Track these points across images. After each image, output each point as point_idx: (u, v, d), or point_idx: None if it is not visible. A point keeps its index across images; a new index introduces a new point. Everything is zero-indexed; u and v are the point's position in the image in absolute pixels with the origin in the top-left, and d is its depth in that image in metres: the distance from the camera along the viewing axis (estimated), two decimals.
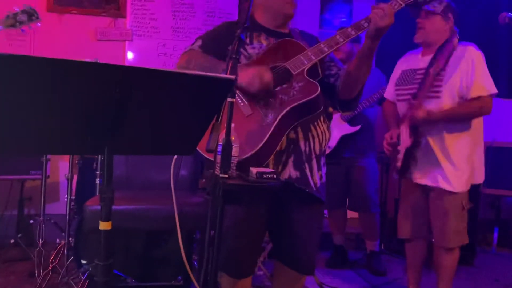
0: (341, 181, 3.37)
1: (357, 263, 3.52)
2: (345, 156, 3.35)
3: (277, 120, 1.59)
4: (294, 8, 1.78)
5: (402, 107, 2.53)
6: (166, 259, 2.51)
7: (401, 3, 1.65)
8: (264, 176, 1.44)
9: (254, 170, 1.48)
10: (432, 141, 2.41)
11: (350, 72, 1.71)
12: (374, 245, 3.42)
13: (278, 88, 1.65)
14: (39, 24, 2.62)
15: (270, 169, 1.54)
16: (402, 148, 2.45)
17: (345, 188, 3.39)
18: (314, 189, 1.72)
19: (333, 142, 3.33)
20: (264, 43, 1.76)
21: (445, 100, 2.37)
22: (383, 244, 3.73)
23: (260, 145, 1.56)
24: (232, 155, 1.41)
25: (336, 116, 3.35)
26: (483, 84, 2.35)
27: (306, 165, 1.71)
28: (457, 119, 2.39)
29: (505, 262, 3.77)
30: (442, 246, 2.46)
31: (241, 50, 1.73)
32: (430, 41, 2.47)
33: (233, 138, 1.42)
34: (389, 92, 2.72)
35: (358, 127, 3.32)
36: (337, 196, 3.39)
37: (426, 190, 2.50)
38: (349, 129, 3.33)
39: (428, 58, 2.45)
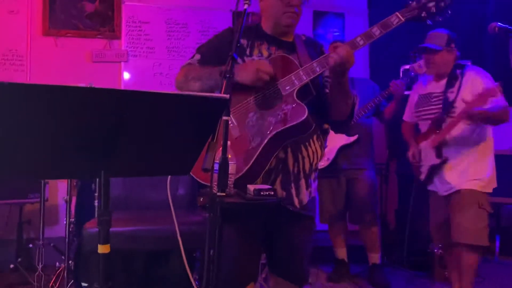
0: (340, 195, 3.37)
1: (359, 276, 3.49)
2: (343, 168, 3.35)
3: (263, 144, 1.60)
4: (294, 18, 1.74)
5: (424, 125, 2.82)
6: (166, 279, 2.49)
7: (402, 18, 1.60)
8: (262, 193, 1.45)
9: (251, 187, 1.48)
10: (453, 160, 2.66)
11: (328, 99, 1.72)
12: (376, 258, 3.39)
13: (267, 110, 1.65)
14: None
15: (267, 186, 1.54)
16: (426, 164, 2.75)
17: (345, 201, 3.38)
18: (298, 207, 1.73)
19: (331, 154, 3.33)
20: (265, 53, 1.75)
21: (462, 124, 2.59)
22: (385, 257, 3.70)
23: (246, 169, 1.57)
24: (229, 172, 1.42)
25: None
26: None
27: (293, 185, 1.71)
28: (488, 121, 2.59)
29: (509, 271, 3.74)
30: (459, 242, 2.59)
31: (241, 62, 1.72)
32: (442, 73, 2.75)
33: (229, 156, 1.42)
34: (408, 115, 3.01)
35: (355, 137, 3.32)
36: (337, 210, 3.38)
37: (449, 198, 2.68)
38: (346, 140, 3.33)
39: (442, 83, 2.75)
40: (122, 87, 4.03)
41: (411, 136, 2.94)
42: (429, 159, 2.73)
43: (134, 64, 4.06)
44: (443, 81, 2.75)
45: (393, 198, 4.03)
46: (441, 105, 2.70)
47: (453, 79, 2.69)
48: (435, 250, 3.31)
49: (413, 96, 2.96)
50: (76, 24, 3.95)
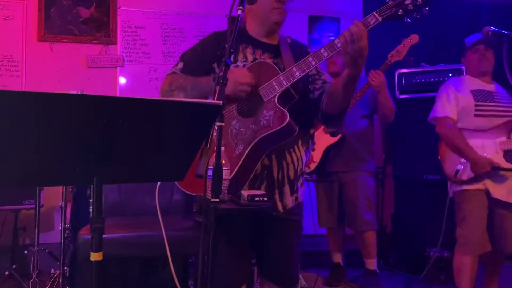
0: (335, 199, 3.33)
1: (355, 281, 3.48)
2: (333, 170, 3.29)
3: (247, 152, 1.60)
4: (282, 15, 1.74)
5: (483, 121, 2.71)
6: (163, 285, 2.48)
7: (378, 18, 1.55)
8: (256, 199, 1.45)
9: (245, 193, 1.48)
10: None
11: (333, 93, 1.67)
12: (370, 264, 3.30)
13: (250, 117, 1.65)
14: None
15: (260, 191, 1.54)
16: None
17: (340, 206, 3.35)
18: (282, 211, 1.73)
19: (317, 156, 3.29)
20: (250, 58, 1.75)
21: None
22: (381, 260, 3.69)
23: (231, 177, 1.56)
24: (223, 178, 1.42)
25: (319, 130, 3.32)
26: None
27: (277, 191, 1.72)
28: None
29: (510, 275, 3.72)
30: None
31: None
32: (489, 71, 2.81)
33: (223, 162, 1.42)
34: (452, 112, 2.77)
35: (339, 136, 3.25)
36: (333, 214, 3.36)
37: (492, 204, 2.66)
38: (331, 140, 3.28)
39: (491, 85, 2.81)
40: (118, 92, 4.03)
41: (465, 140, 2.70)
42: (492, 157, 2.62)
43: (129, 69, 4.06)
44: (492, 83, 2.81)
45: (389, 202, 4.03)
46: (509, 108, 2.73)
47: (508, 87, 2.77)
48: (431, 254, 3.31)
49: (462, 90, 2.78)
50: (71, 29, 3.95)
